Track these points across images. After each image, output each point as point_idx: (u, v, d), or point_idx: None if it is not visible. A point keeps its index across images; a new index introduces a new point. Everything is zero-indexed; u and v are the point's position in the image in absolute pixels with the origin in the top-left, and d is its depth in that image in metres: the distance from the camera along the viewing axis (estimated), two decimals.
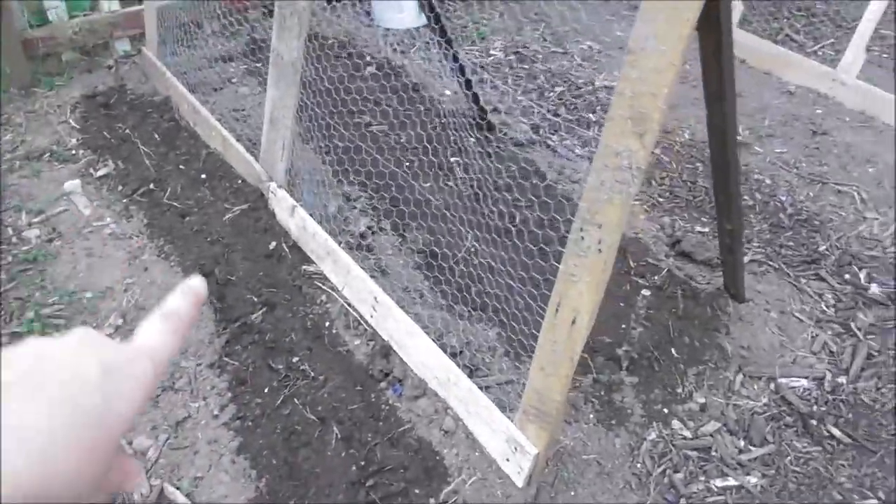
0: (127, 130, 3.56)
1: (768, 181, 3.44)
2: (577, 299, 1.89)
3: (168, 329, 0.55)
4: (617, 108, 1.66)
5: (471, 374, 2.41)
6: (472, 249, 2.95)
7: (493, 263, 2.90)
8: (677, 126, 3.81)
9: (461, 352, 2.51)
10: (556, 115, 3.87)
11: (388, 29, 4.68)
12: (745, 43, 4.27)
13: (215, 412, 2.37)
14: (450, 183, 3.32)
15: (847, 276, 2.93)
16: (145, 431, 2.30)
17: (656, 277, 2.87)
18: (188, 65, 3.97)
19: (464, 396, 2.29)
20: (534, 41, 4.57)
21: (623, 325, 2.65)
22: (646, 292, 2.80)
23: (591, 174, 1.77)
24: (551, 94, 4.04)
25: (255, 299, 2.71)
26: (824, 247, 3.07)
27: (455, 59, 3.37)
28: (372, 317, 2.60)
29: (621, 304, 2.74)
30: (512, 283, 2.84)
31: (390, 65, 4.18)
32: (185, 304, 0.58)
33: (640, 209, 3.28)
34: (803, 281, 2.92)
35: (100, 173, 3.34)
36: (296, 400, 2.39)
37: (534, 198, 3.20)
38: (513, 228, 3.07)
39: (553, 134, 3.75)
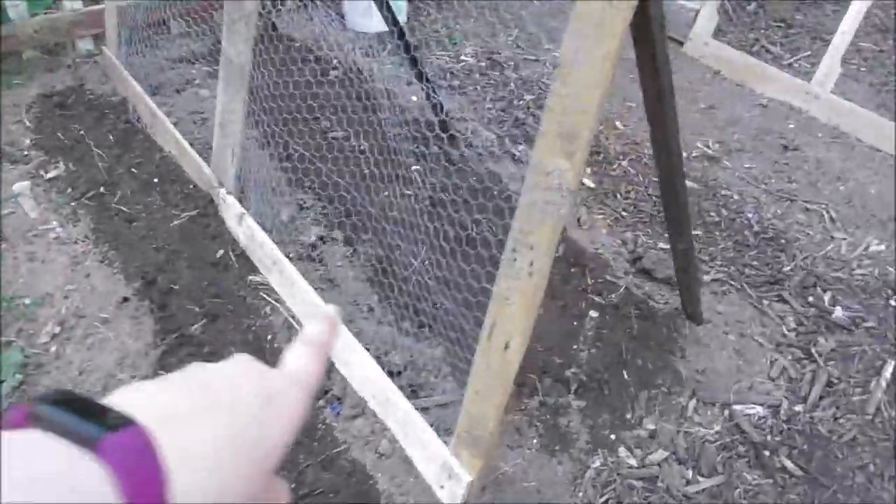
0: (82, 132, 3.47)
1: (736, 197, 3.36)
2: (510, 323, 1.80)
3: (312, 356, 0.57)
4: (547, 124, 1.57)
5: (412, 395, 2.33)
6: (426, 263, 2.86)
7: (447, 277, 2.81)
8: (645, 138, 3.73)
9: (404, 370, 2.42)
10: (524, 124, 3.79)
11: (359, 32, 4.59)
12: (720, 54, 4.20)
13: None
14: (409, 192, 3.24)
15: (811, 299, 2.86)
16: None
17: (613, 296, 2.79)
18: (151, 66, 3.87)
19: (401, 418, 2.20)
20: (507, 47, 4.49)
21: (575, 346, 2.57)
22: (600, 311, 2.72)
23: (523, 193, 1.69)
24: (521, 102, 3.96)
25: (198, 310, 2.62)
26: (789, 267, 3.00)
27: (414, 64, 3.29)
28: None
29: (574, 324, 2.66)
30: (464, 299, 2.76)
31: (357, 70, 4.10)
32: (324, 330, 0.60)
33: (603, 223, 3.20)
34: (765, 302, 2.84)
35: (50, 175, 3.25)
36: None
37: (493, 211, 3.12)
38: (468, 242, 2.99)
39: (520, 143, 3.67)
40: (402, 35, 3.15)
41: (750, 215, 3.25)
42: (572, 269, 2.91)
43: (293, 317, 2.59)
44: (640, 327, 2.65)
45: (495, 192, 3.27)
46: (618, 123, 3.83)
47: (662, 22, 1.57)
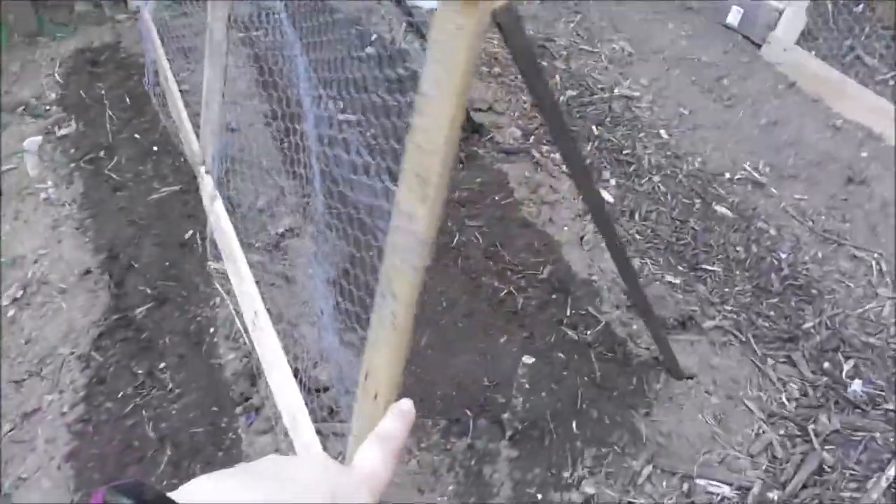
0: (103, 91, 3.48)
1: (772, 232, 2.93)
2: (378, 373, 1.59)
3: (385, 453, 0.58)
4: (408, 160, 1.33)
5: (329, 416, 2.17)
6: None
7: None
8: (689, 151, 3.33)
9: (330, 388, 2.26)
10: None
11: (414, 7, 4.37)
12: (799, 62, 3.67)
13: (64, 409, 2.25)
14: None
15: (826, 366, 2.44)
16: None
17: (590, 331, 2.49)
18: (188, 28, 3.84)
19: (307, 441, 2.05)
20: (565, 34, 4.13)
21: (525, 385, 2.31)
22: (570, 348, 2.43)
23: (388, 231, 1.46)
24: (561, 97, 3.63)
25: (149, 291, 2.56)
26: (811, 323, 2.58)
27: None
28: (252, 331, 2.39)
29: (533, 360, 2.39)
30: (433, 314, 2.55)
31: (394, 48, 3.89)
32: (399, 427, 0.63)
33: None
34: (770, 362, 2.45)
35: (61, 133, 3.29)
36: (144, 412, 2.23)
37: (490, 217, 2.88)
38: (452, 250, 2.76)
39: (544, 143, 3.36)
40: (409, 13, 2.92)
41: (783, 255, 2.83)
42: (553, 295, 2.63)
43: (238, 312, 2.48)
44: (605, 373, 2.35)
45: (497, 199, 3.02)
46: (662, 132, 3.44)
47: (531, 55, 1.28)
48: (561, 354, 2.41)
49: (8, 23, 3.80)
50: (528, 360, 2.06)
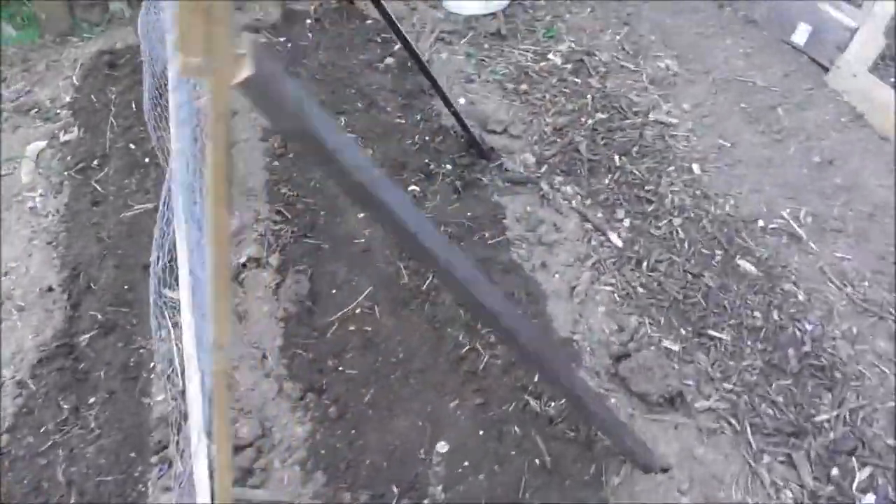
0: (112, 96, 3.43)
1: (801, 297, 2.51)
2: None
3: None
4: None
5: (246, 476, 1.99)
6: (361, 312, 2.45)
7: (372, 335, 2.39)
8: (722, 190, 2.92)
9: (250, 445, 2.08)
10: (577, 150, 3.14)
11: (451, 13, 4.11)
12: (870, 91, 3.16)
13: None
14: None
15: (835, 472, 2.04)
16: None
17: (554, 403, 2.19)
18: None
19: None
20: (609, 47, 3.76)
21: (465, 462, 2.04)
22: (528, 422, 2.14)
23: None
24: (588, 121, 3.29)
25: (100, 317, 2.46)
26: (826, 416, 2.17)
27: (420, 67, 2.80)
28: (188, 370, 2.24)
29: (480, 433, 2.12)
30: (385, 365, 2.32)
31: (416, 58, 3.64)
32: None
33: (606, 298, 2.55)
34: (766, 459, 2.08)
35: (64, 138, 3.25)
36: (60, 451, 2.12)
37: (473, 258, 2.61)
38: (421, 294, 2.51)
39: (559, 175, 3.04)
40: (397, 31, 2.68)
41: (808, 327, 2.40)
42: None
43: (178, 347, 2.33)
44: (560, 456, 2.05)
45: (486, 236, 2.74)
46: (695, 166, 3.04)
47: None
48: (516, 429, 2.13)
49: (40, 21, 3.83)
50: (441, 447, 1.80)
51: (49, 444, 2.13)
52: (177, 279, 1.82)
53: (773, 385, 2.26)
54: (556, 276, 2.61)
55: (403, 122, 3.26)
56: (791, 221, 2.77)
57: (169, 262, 2.02)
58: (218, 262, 1.03)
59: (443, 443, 1.99)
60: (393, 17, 2.67)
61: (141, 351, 2.37)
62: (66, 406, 2.21)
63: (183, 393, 2.20)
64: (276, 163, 3.03)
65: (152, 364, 2.34)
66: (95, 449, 2.10)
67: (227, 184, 0.95)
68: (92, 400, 2.23)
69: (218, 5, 0.77)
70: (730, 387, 2.26)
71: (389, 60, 3.64)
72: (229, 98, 0.87)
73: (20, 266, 2.69)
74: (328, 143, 0.98)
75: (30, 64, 3.73)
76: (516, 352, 1.75)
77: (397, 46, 3.69)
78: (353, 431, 2.13)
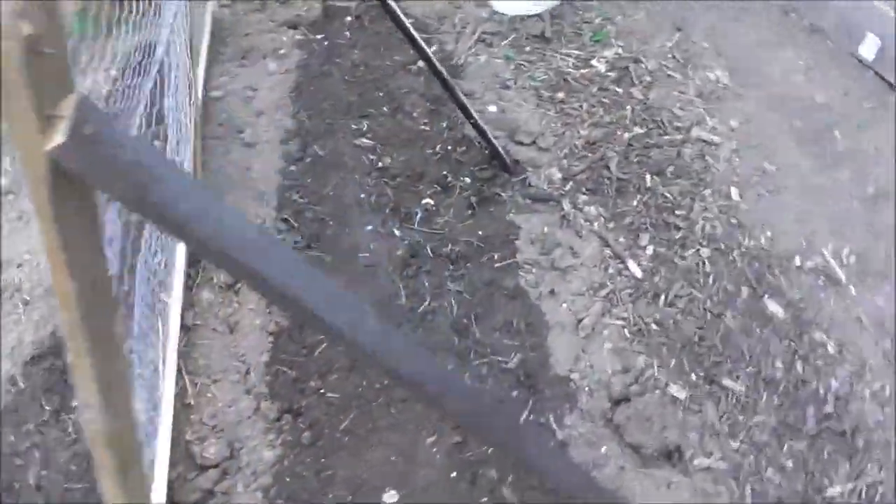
0: None
1: (830, 348, 2.27)
2: None
3: None
4: None
5: (200, 502, 1.95)
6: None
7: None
8: (759, 220, 2.68)
9: (216, 465, 2.03)
10: (607, 167, 2.95)
11: (495, 12, 3.95)
12: None
13: None
14: (396, 233, 2.70)
15: None
16: None
17: None
18: (256, 26, 3.76)
19: None
20: (658, 55, 3.52)
21: None
22: (501, 467, 2.02)
23: None
24: (624, 135, 3.09)
25: None
26: (841, 489, 1.95)
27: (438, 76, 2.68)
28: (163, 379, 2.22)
29: (453, 475, 2.00)
30: (369, 391, 2.23)
31: (448, 62, 3.51)
32: None
33: (614, 335, 2.38)
34: None
35: None
36: (36, 453, 2.14)
37: (477, 281, 2.49)
38: (418, 316, 2.41)
39: (585, 194, 2.86)
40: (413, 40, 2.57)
41: (834, 384, 2.17)
42: (513, 393, 2.20)
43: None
44: None
45: (495, 257, 2.60)
46: (733, 191, 2.80)
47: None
48: (493, 472, 2.01)
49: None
50: (389, 499, 1.70)
51: (27, 444, 2.15)
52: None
53: (785, 447, 2.05)
54: (564, 305, 2.46)
55: (428, 129, 3.15)
56: (831, 260, 2.52)
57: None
58: (72, 322, 0.95)
59: (393, 492, 1.89)
60: (406, 22, 2.57)
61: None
62: (48, 408, 2.22)
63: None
64: (292, 167, 2.97)
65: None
66: (70, 454, 2.11)
67: (65, 254, 0.87)
68: (74, 404, 2.24)
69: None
70: (735, 445, 2.07)
71: (423, 63, 3.52)
72: (43, 164, 0.79)
73: (33, 259, 2.73)
74: (179, 210, 0.88)
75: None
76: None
77: (433, 48, 3.57)
78: (323, 460, 2.06)
